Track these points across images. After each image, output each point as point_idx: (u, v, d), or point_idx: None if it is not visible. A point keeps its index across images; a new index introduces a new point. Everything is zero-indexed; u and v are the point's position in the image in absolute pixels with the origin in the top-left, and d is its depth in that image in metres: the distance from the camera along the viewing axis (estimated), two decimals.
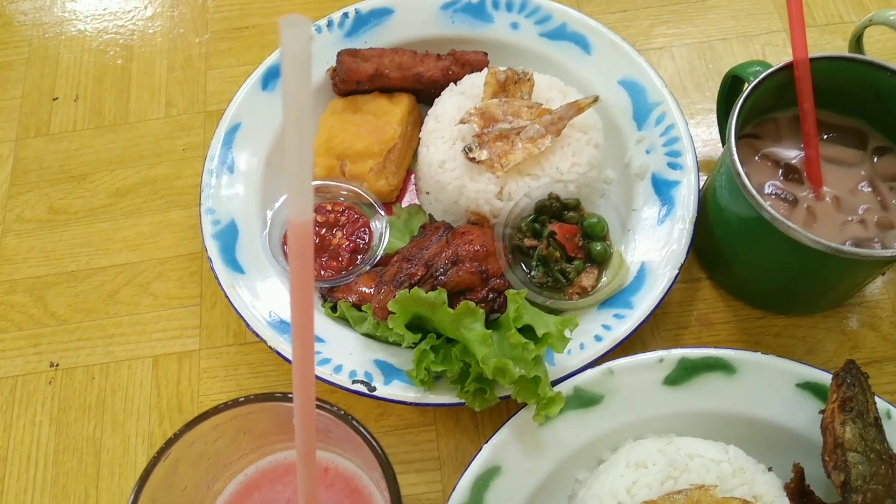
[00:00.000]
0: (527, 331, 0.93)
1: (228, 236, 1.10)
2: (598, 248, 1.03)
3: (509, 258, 1.02)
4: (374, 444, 0.64)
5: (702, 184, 1.12)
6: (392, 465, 0.65)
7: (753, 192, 0.92)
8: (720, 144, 1.21)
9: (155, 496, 0.62)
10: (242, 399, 0.66)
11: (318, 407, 0.63)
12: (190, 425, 0.64)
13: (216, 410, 0.65)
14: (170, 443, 0.63)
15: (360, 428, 0.65)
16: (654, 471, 0.88)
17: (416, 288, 0.93)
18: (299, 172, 0.46)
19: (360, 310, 1.05)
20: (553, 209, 1.05)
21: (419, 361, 0.95)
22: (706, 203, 1.10)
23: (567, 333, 0.91)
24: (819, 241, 0.89)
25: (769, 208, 0.91)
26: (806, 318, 1.13)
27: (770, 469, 0.90)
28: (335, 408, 0.65)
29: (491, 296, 0.98)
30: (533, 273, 1.03)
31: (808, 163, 1.01)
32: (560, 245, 1.02)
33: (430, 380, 0.96)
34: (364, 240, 1.13)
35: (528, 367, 0.89)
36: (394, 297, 0.94)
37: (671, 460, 0.88)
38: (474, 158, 1.05)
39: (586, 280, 1.02)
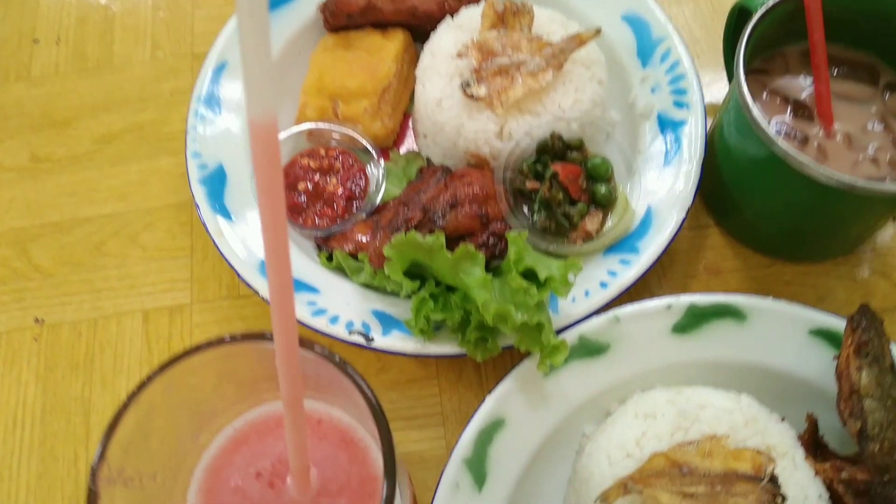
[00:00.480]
0: (529, 277, 0.89)
1: (216, 181, 1.05)
2: (603, 190, 0.99)
3: (510, 202, 0.97)
4: (362, 384, 0.60)
5: (708, 127, 1.07)
6: (389, 418, 0.61)
7: (764, 124, 0.88)
8: (727, 87, 1.16)
9: (128, 447, 0.58)
10: (220, 339, 0.62)
11: (302, 346, 0.59)
12: (163, 369, 0.60)
13: (192, 352, 0.61)
14: (140, 389, 0.59)
15: (347, 368, 0.60)
16: (664, 421, 0.84)
17: (412, 231, 0.88)
18: (256, 59, 0.40)
19: (357, 259, 1.01)
20: (555, 149, 1.00)
21: (418, 310, 0.91)
22: (713, 144, 1.05)
23: (570, 278, 0.86)
24: (832, 177, 0.85)
25: (780, 142, 0.87)
26: (816, 266, 1.08)
27: (783, 419, 0.87)
28: (319, 347, 0.61)
29: (491, 240, 0.94)
30: (535, 217, 0.98)
31: (819, 98, 0.97)
32: (563, 187, 0.97)
33: (430, 329, 0.92)
34: (360, 186, 1.09)
35: (530, 313, 0.85)
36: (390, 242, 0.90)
37: (681, 410, 0.85)
38: (472, 95, 1.00)
39: (590, 224, 0.97)
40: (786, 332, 0.92)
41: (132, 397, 0.59)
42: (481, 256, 0.87)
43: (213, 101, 1.10)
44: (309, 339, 0.61)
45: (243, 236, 1.02)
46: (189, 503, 0.71)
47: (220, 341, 0.61)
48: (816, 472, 0.82)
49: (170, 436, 0.66)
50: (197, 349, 0.61)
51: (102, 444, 0.57)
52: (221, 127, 1.09)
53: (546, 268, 0.87)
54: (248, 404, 0.74)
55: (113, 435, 0.57)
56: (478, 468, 0.87)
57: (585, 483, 0.85)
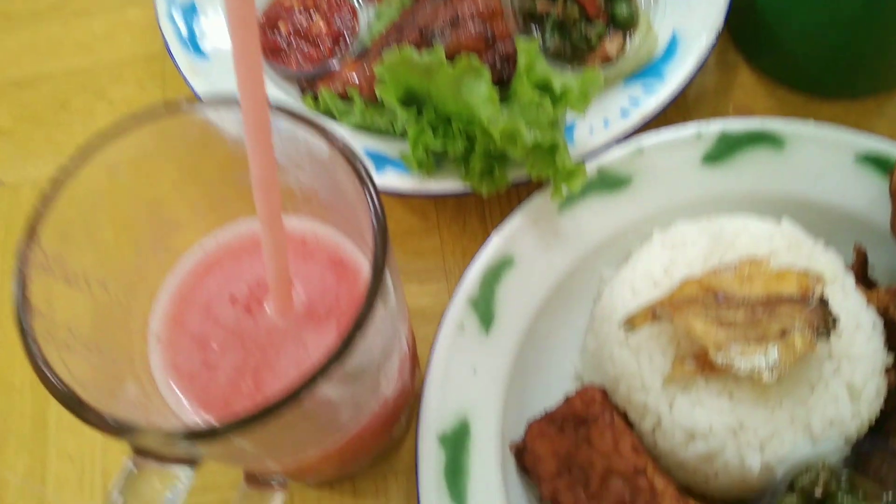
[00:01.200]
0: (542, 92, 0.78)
1: (187, 16, 0.94)
2: (624, 10, 0.88)
3: (520, 25, 0.86)
4: (349, 151, 0.50)
5: None
6: None
7: None
8: None
9: (68, 235, 0.48)
10: (175, 104, 0.51)
11: (275, 111, 0.48)
12: (105, 137, 0.50)
13: (137, 121, 0.50)
14: (80, 160, 0.49)
15: (327, 131, 0.50)
16: (696, 248, 0.75)
17: (406, 47, 0.77)
18: None
19: (346, 99, 0.90)
20: None
21: (416, 141, 0.80)
22: None
23: (590, 92, 0.76)
24: None
25: None
26: (858, 104, 0.98)
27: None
28: (293, 109, 0.51)
29: (498, 62, 0.83)
30: (548, 42, 0.87)
31: None
32: (579, 3, 0.86)
33: (430, 162, 0.82)
34: (348, 26, 0.98)
35: (543, 132, 0.74)
36: None
37: (715, 236, 0.75)
38: None
39: (610, 46, 0.86)
40: (829, 160, 0.82)
41: (69, 170, 0.49)
42: (486, 70, 0.76)
43: None
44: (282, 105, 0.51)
45: (221, 75, 0.91)
46: (152, 331, 0.61)
47: (174, 107, 0.51)
48: (868, 301, 0.73)
49: (125, 239, 0.57)
50: (139, 119, 0.50)
51: (33, 219, 0.47)
52: None
53: (562, 80, 0.76)
54: (218, 218, 0.64)
55: (46, 211, 0.47)
56: (484, 309, 0.77)
57: (607, 321, 0.76)
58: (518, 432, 0.75)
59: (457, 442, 0.72)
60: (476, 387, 0.75)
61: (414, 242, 0.93)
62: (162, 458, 0.46)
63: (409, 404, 0.75)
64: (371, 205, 0.47)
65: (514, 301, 0.78)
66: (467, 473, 0.71)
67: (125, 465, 0.46)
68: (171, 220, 0.60)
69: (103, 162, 0.50)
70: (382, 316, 0.46)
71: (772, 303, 0.68)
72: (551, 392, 0.78)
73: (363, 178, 0.48)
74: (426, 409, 0.73)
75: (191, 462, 0.47)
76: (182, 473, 0.46)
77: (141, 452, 0.45)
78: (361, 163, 0.49)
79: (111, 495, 0.45)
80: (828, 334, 0.65)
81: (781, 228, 0.76)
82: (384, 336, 0.50)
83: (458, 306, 0.76)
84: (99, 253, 0.53)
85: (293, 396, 0.41)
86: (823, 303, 0.67)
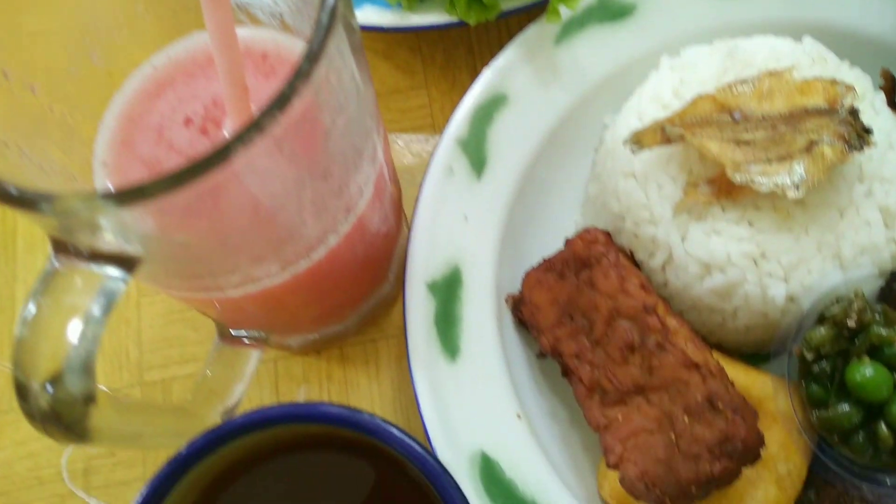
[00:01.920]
0: None
1: None
2: None
3: None
4: None
5: None
6: None
7: None
8: None
9: None
10: None
11: None
12: None
13: None
14: None
15: None
16: (708, 67, 0.67)
17: None
18: None
19: None
20: None
21: None
22: None
23: None
24: None
25: None
26: None
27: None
28: None
29: None
30: None
31: None
32: None
33: None
34: None
35: None
36: None
37: (729, 53, 0.67)
38: None
39: None
40: None
41: None
42: None
43: None
44: None
45: None
46: (97, 156, 0.54)
47: None
48: None
49: (53, 40, 0.49)
50: None
51: None
52: None
53: None
54: (170, 31, 0.56)
55: None
56: (476, 151, 0.70)
57: (610, 155, 0.68)
58: (514, 287, 0.68)
59: (448, 290, 0.66)
60: (468, 234, 0.68)
61: (400, 101, 0.85)
62: (90, 257, 0.39)
63: (394, 253, 0.68)
64: None
65: (509, 144, 0.71)
66: (459, 323, 0.65)
67: (46, 265, 0.39)
68: (112, 27, 0.53)
69: None
70: (338, 74, 0.38)
71: (795, 117, 0.60)
72: (549, 246, 0.70)
73: None
74: (413, 254, 0.66)
75: (123, 263, 0.40)
76: (113, 276, 0.40)
77: (63, 248, 0.38)
78: None
79: (26, 304, 0.39)
80: (861, 146, 0.58)
81: (803, 45, 0.67)
82: (343, 114, 0.43)
83: (446, 147, 0.69)
84: (16, 45, 0.46)
85: (225, 149, 0.34)
86: (854, 112, 0.59)
